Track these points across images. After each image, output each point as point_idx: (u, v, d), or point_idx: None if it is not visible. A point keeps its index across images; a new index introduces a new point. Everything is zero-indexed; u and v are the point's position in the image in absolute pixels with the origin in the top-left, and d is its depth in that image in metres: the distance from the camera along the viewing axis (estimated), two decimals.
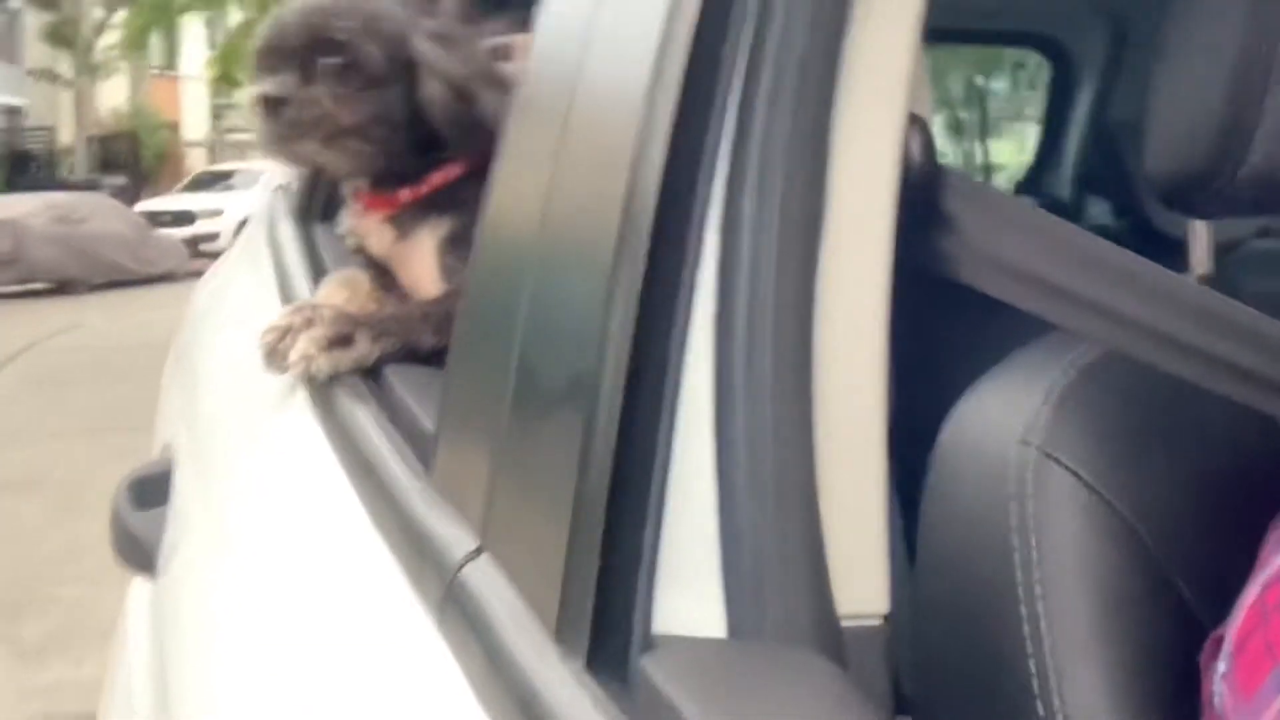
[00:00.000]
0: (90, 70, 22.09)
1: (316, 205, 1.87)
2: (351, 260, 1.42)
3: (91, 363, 9.18)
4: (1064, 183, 2.61)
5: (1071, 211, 2.55)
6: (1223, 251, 1.39)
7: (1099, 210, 2.46)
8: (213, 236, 17.79)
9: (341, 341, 1.18)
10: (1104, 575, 0.73)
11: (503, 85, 1.21)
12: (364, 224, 1.34)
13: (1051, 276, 0.72)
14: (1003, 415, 0.79)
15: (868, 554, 0.64)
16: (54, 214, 15.69)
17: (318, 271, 1.54)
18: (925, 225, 0.73)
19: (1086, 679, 0.72)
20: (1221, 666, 0.65)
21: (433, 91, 1.25)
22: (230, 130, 24.08)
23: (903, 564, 0.81)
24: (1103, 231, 2.40)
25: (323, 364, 1.18)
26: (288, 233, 1.80)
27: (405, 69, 1.26)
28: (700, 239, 0.63)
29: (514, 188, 0.88)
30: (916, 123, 0.70)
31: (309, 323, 1.21)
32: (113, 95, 24.34)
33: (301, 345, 1.19)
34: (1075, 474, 0.75)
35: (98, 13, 21.36)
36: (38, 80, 24.51)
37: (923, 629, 0.78)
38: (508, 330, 0.78)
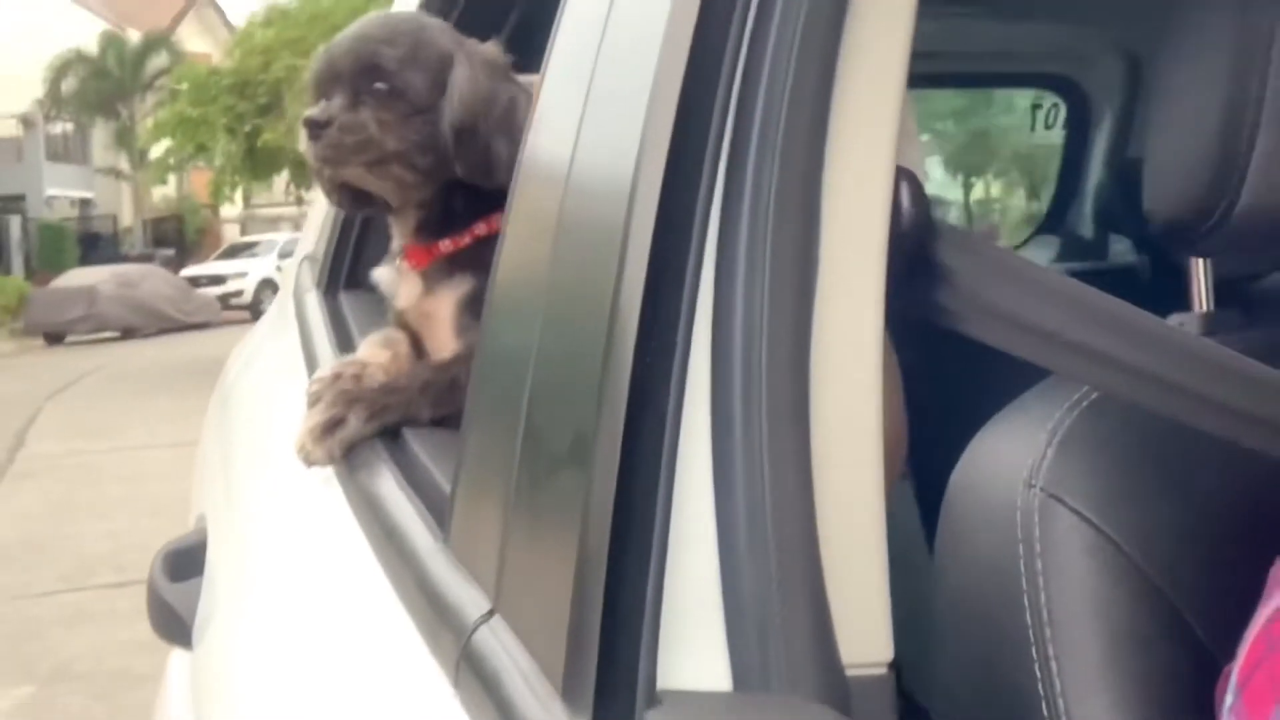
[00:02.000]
0: (144, 167, 26.93)
1: (340, 274, 1.89)
2: (376, 326, 1.44)
3: (150, 375, 14.55)
4: (1085, 221, 2.61)
5: (1093, 249, 2.54)
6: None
7: (1120, 248, 2.46)
8: (239, 293, 24.03)
9: (332, 426, 1.20)
10: (1112, 614, 0.73)
11: (514, 132, 1.22)
12: (398, 276, 1.35)
13: (1044, 324, 0.72)
14: (1008, 458, 0.80)
15: (870, 602, 0.64)
16: (118, 280, 21.50)
17: (343, 342, 1.56)
18: (919, 277, 0.74)
19: (1099, 717, 0.72)
20: (1229, 700, 0.65)
21: (448, 117, 1.27)
22: (258, 207, 29.12)
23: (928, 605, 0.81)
24: (1125, 268, 2.38)
25: (318, 456, 1.20)
26: (313, 304, 1.83)
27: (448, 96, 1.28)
28: (694, 299, 0.64)
29: (519, 254, 0.90)
30: (905, 174, 0.71)
31: (353, 379, 1.23)
32: (163, 186, 29.12)
33: (300, 435, 1.21)
34: (1080, 514, 0.75)
35: (149, 123, 25.68)
36: (104, 176, 31.86)
37: (937, 669, 0.79)
38: (516, 394, 0.79)
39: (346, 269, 1.88)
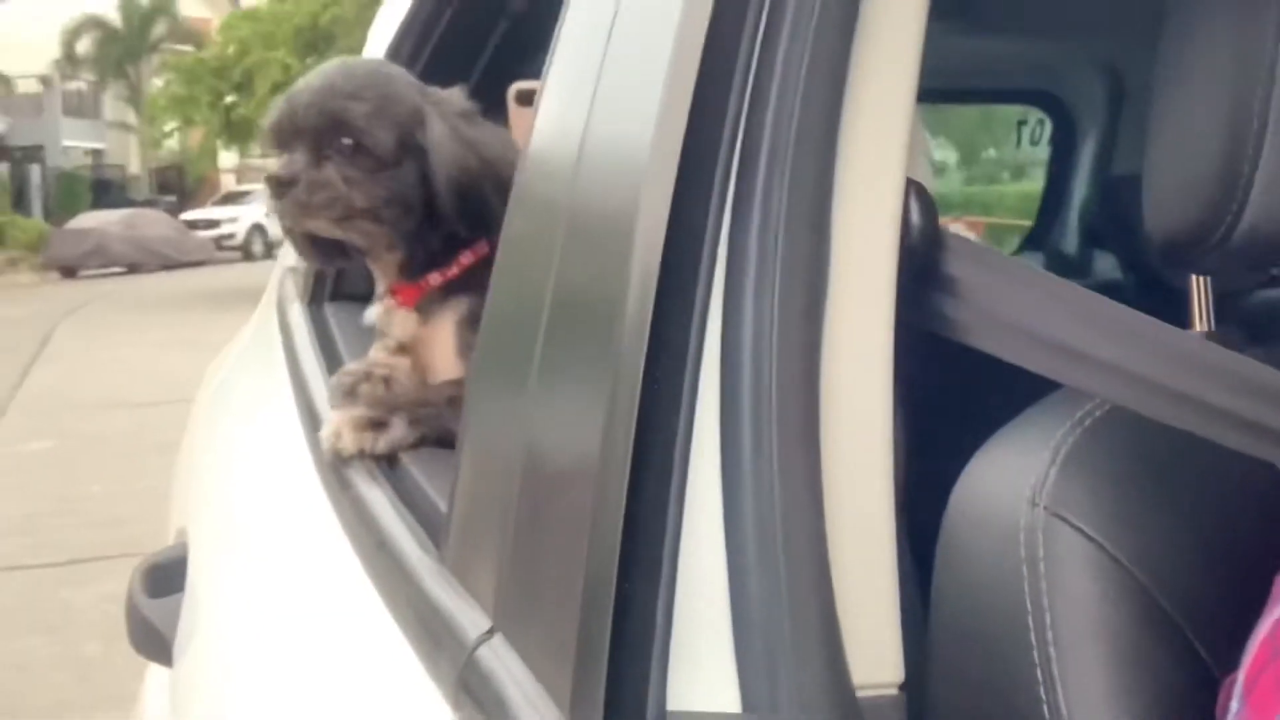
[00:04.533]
0: (149, 121, 30.16)
1: (325, 286, 1.88)
2: (361, 336, 1.42)
3: (148, 299, 17.94)
4: (1070, 237, 2.62)
5: (1078, 266, 2.55)
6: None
7: (1105, 264, 2.47)
8: (231, 236, 27.51)
9: (375, 425, 1.19)
10: (1116, 633, 0.72)
11: (507, 176, 1.22)
12: (390, 315, 1.34)
13: (1053, 335, 0.72)
14: (1011, 476, 0.79)
15: (881, 623, 0.63)
16: (125, 223, 25.24)
17: (329, 354, 1.54)
18: (927, 288, 0.73)
19: None
20: (1234, 706, 0.65)
21: (443, 178, 1.25)
22: (252, 158, 31.38)
23: (919, 627, 0.81)
24: (1110, 285, 2.40)
25: (348, 442, 1.18)
26: (298, 316, 1.81)
27: (418, 151, 1.26)
28: (704, 314, 0.63)
29: (517, 270, 0.89)
30: (915, 187, 0.71)
31: (385, 381, 1.22)
32: (171, 137, 32.33)
33: (335, 423, 1.20)
34: (1084, 533, 0.74)
35: (156, 82, 30.04)
36: (114, 129, 35.91)
37: (939, 692, 0.78)
38: (517, 410, 0.78)
39: (331, 280, 1.87)
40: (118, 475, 6.41)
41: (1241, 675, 0.66)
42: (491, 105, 1.37)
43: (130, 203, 31.29)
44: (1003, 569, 0.76)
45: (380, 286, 1.37)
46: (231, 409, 1.95)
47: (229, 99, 22.17)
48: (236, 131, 23.03)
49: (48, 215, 30.20)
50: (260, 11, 22.85)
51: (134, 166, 37.24)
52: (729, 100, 0.64)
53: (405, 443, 1.19)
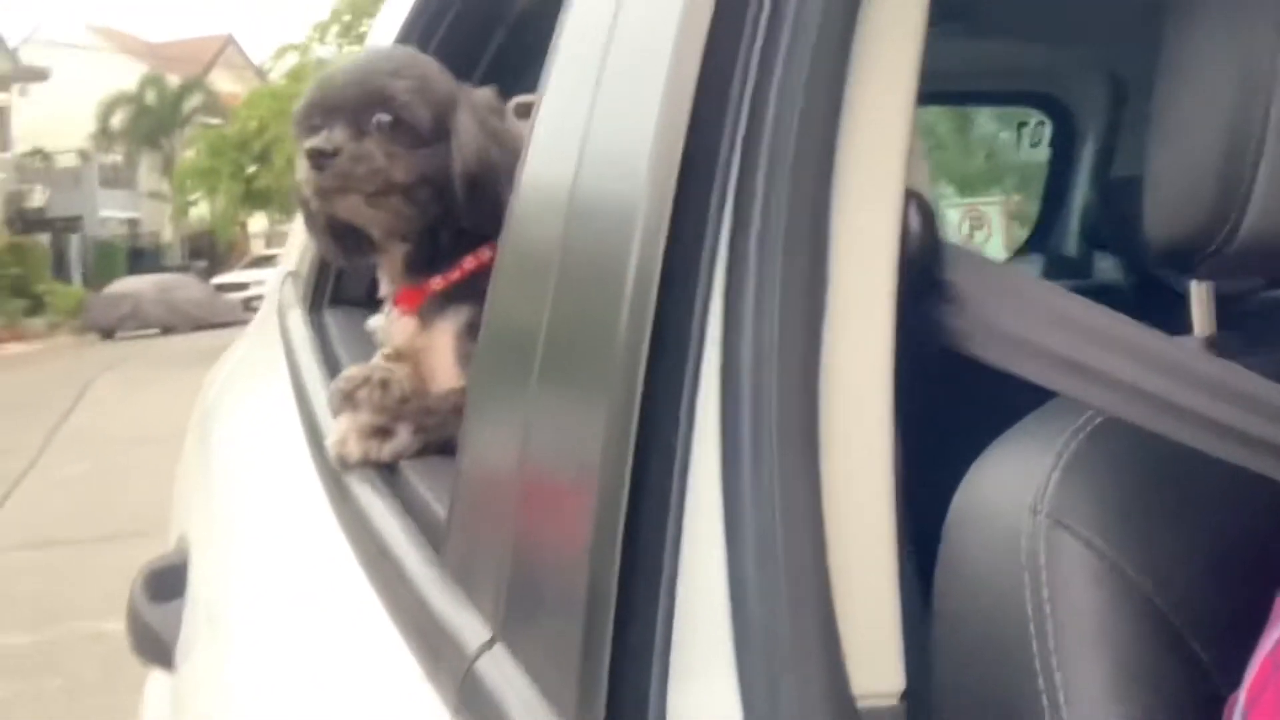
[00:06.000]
0: (178, 190, 32.86)
1: (325, 291, 1.88)
2: (360, 342, 1.42)
3: (179, 356, 18.21)
4: (1070, 239, 2.62)
5: (1079, 268, 2.55)
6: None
7: (1106, 266, 2.46)
8: (258, 297, 27.11)
9: (380, 432, 1.20)
10: (1119, 642, 0.72)
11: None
12: (391, 321, 1.34)
13: (1053, 346, 0.72)
14: (1012, 483, 0.79)
15: (881, 633, 0.63)
16: (158, 287, 28.26)
17: (328, 358, 1.54)
18: (927, 298, 0.73)
19: None
20: None
21: (459, 167, 1.26)
22: (280, 223, 33.62)
23: (921, 636, 0.80)
24: (1110, 288, 2.39)
25: (358, 454, 1.19)
26: (297, 321, 1.81)
27: (449, 134, 1.27)
28: (703, 323, 0.63)
29: (517, 277, 0.89)
30: (915, 197, 0.70)
31: (383, 385, 1.22)
32: (198, 206, 34.35)
33: (341, 431, 1.20)
34: (1086, 541, 0.74)
35: (188, 154, 32.69)
36: (148, 199, 38.41)
37: (940, 701, 0.78)
38: (516, 419, 0.78)
39: (331, 286, 1.87)
40: (141, 491, 6.89)
41: (1243, 694, 0.65)
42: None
43: (164, 268, 34.38)
44: (1004, 577, 0.75)
45: (385, 289, 1.37)
46: (231, 415, 1.95)
47: (250, 169, 25.08)
48: (258, 199, 25.91)
49: (86, 282, 32.88)
50: (280, 89, 25.13)
51: (167, 234, 39.96)
52: (728, 106, 0.64)
53: (409, 450, 1.20)
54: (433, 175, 1.26)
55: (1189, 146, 0.76)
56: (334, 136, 1.24)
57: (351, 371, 1.26)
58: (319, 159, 1.24)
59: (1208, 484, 0.77)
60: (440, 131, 1.27)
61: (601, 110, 0.77)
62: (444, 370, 1.28)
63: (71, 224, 35.83)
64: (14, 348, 25.28)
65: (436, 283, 1.30)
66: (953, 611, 0.80)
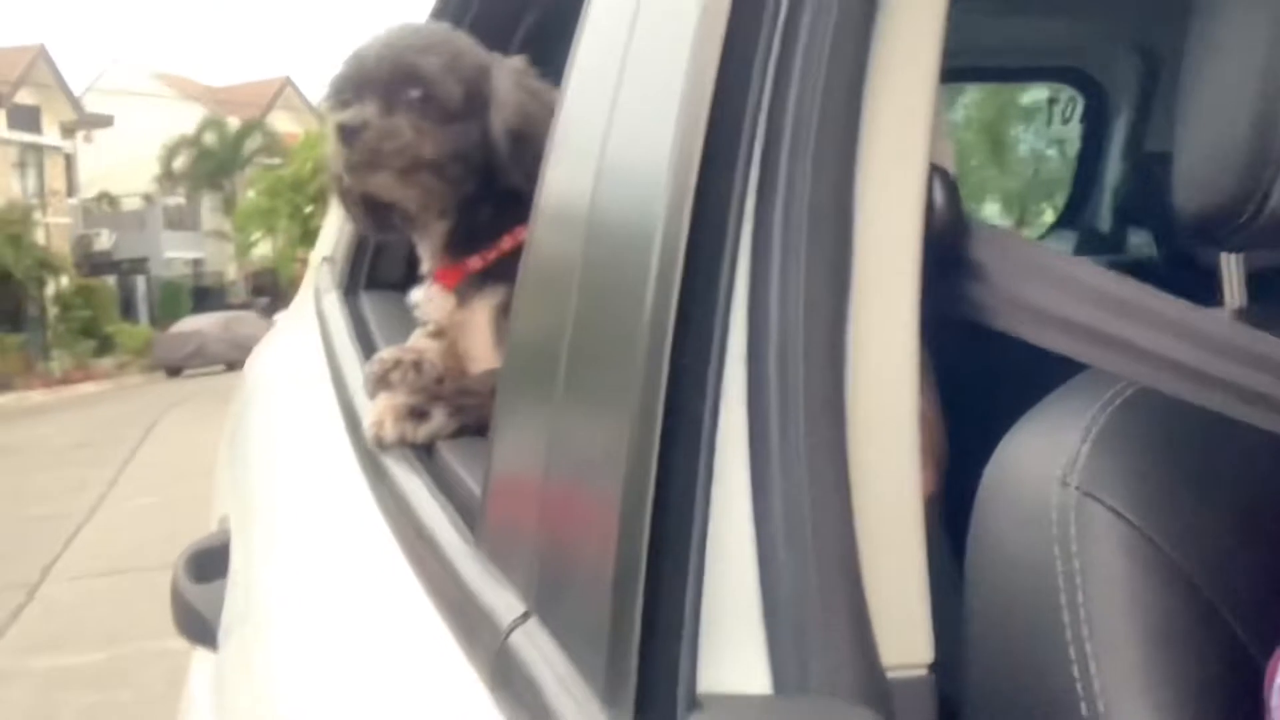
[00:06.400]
0: (244, 230, 35.14)
1: (360, 275, 1.89)
2: (396, 324, 1.43)
3: None
4: (1103, 215, 2.60)
5: (1111, 243, 2.53)
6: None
7: (1139, 241, 2.45)
8: None
9: (416, 414, 1.21)
10: (1151, 613, 0.72)
11: None
12: (429, 297, 1.35)
13: (1079, 318, 0.72)
14: (1043, 456, 0.79)
15: (910, 603, 0.64)
16: (222, 325, 28.56)
17: (364, 342, 1.55)
18: (953, 273, 0.74)
19: (1138, 718, 0.71)
20: (1274, 700, 0.65)
21: (500, 124, 1.26)
22: None
23: (953, 608, 0.81)
24: (1143, 262, 2.37)
25: (394, 435, 1.20)
26: (334, 305, 1.83)
27: (483, 110, 1.27)
28: (729, 300, 0.63)
29: (544, 261, 0.90)
30: (939, 172, 0.71)
31: (415, 367, 1.23)
32: (260, 244, 37.26)
33: (378, 411, 1.21)
34: (1117, 512, 0.74)
35: (250, 194, 34.71)
36: (211, 239, 39.88)
37: (971, 672, 0.78)
38: (547, 396, 0.79)
39: (366, 270, 1.88)
40: (204, 522, 7.34)
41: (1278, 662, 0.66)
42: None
43: (228, 305, 35.72)
44: (1035, 549, 0.76)
45: (425, 266, 1.38)
46: (270, 398, 1.97)
47: (307, 209, 25.85)
48: (316, 237, 26.26)
49: (153, 321, 34.96)
50: None
51: (231, 272, 41.65)
52: (750, 86, 0.65)
53: (445, 432, 1.20)
54: (465, 151, 1.26)
55: (1218, 118, 0.76)
56: (363, 112, 1.25)
57: (384, 354, 1.27)
58: (348, 134, 1.24)
59: (1238, 456, 0.77)
60: (472, 108, 1.27)
61: (626, 94, 0.77)
62: (480, 348, 1.28)
63: (137, 265, 37.38)
64: (86, 387, 26.79)
65: (474, 263, 1.30)
66: (984, 583, 0.80)
